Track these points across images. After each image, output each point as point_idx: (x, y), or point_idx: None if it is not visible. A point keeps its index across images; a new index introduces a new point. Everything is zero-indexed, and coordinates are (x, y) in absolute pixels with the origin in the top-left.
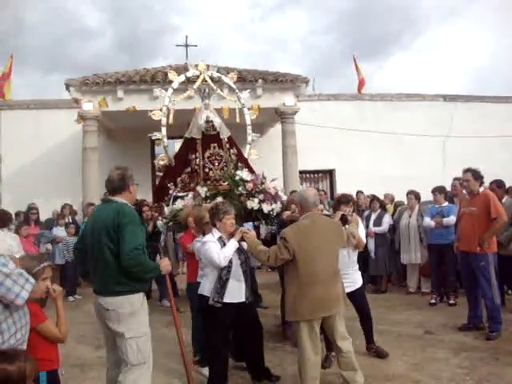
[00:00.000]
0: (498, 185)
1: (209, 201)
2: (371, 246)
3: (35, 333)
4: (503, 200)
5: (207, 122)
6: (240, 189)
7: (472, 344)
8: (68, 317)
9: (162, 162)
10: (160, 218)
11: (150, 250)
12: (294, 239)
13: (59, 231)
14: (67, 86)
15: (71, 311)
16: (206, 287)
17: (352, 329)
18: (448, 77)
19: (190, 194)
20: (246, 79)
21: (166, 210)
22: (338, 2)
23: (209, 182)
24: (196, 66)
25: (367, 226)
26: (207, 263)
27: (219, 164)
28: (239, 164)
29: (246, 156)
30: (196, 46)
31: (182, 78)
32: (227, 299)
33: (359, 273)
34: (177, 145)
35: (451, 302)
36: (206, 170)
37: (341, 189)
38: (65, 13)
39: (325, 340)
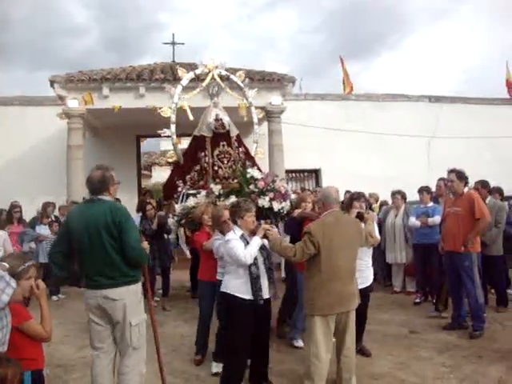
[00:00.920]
0: (482, 185)
1: (222, 199)
2: None
3: (19, 333)
4: (487, 200)
5: (217, 119)
6: (251, 187)
7: (456, 343)
8: (52, 316)
9: (170, 160)
10: (170, 215)
11: (155, 248)
12: (320, 234)
13: (43, 230)
14: (52, 83)
15: (55, 311)
16: (229, 285)
17: None
18: (435, 78)
19: (203, 192)
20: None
21: (178, 207)
22: (328, 1)
23: (218, 180)
24: (205, 64)
25: None
26: (231, 261)
27: (228, 162)
28: (247, 162)
29: (252, 155)
30: (183, 44)
31: (191, 75)
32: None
33: (372, 270)
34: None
35: (435, 301)
36: (215, 167)
37: None
38: (52, 9)
39: None
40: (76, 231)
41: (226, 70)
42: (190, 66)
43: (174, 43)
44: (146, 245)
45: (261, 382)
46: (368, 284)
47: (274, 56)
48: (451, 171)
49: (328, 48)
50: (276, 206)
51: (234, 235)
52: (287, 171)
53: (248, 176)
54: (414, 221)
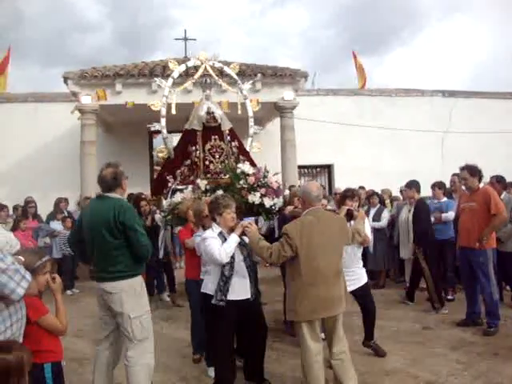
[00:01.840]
0: (497, 180)
1: (209, 194)
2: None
3: (37, 326)
4: (502, 196)
5: (208, 113)
6: (241, 182)
7: (470, 339)
8: (66, 311)
9: (160, 154)
10: (158, 211)
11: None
12: (297, 235)
13: (57, 225)
14: (65, 79)
15: (69, 305)
16: (209, 286)
17: (351, 324)
18: (448, 72)
19: (190, 187)
20: (245, 73)
21: (165, 203)
22: None
23: (209, 175)
24: (197, 57)
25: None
26: (208, 260)
27: (220, 157)
28: (240, 157)
29: (247, 149)
30: (195, 39)
31: (183, 67)
32: (231, 297)
33: (363, 269)
34: (175, 139)
35: (449, 297)
36: (207, 162)
37: (339, 184)
38: (64, 6)
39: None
40: (85, 226)
41: (220, 62)
42: (202, 62)
43: (186, 39)
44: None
45: (257, 380)
46: (362, 284)
47: (286, 51)
48: (463, 168)
49: (340, 43)
50: (267, 202)
51: (212, 233)
52: (299, 167)
53: (238, 171)
54: None
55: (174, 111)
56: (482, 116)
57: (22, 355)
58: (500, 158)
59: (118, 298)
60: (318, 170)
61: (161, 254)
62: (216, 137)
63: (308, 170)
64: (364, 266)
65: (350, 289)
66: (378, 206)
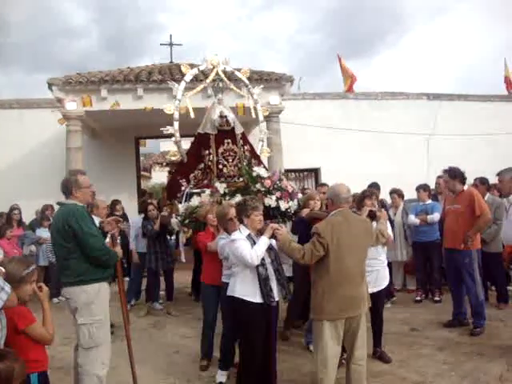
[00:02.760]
0: (481, 181)
1: (228, 197)
2: None
3: (25, 335)
4: (485, 197)
5: (221, 116)
6: (257, 186)
7: (457, 340)
8: (53, 319)
9: (173, 158)
10: (174, 215)
11: (157, 250)
12: (328, 235)
13: (43, 232)
14: (50, 85)
15: (56, 313)
16: (237, 289)
17: None
18: (433, 75)
19: (208, 191)
20: (231, 78)
21: (181, 207)
22: (325, 0)
23: (222, 179)
24: (209, 60)
25: None
26: (237, 262)
27: (233, 160)
28: (253, 161)
29: (258, 153)
30: (181, 45)
31: (195, 71)
32: (258, 299)
33: (387, 270)
34: (184, 144)
35: (436, 298)
36: (220, 166)
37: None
38: (50, 11)
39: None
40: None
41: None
42: (191, 67)
43: (171, 44)
44: (118, 249)
45: None
46: (385, 285)
47: (273, 56)
48: (444, 172)
49: (326, 47)
50: (283, 205)
51: (240, 235)
52: (286, 171)
53: (254, 174)
54: (413, 219)
55: (192, 115)
56: (466, 118)
57: (12, 366)
58: (484, 160)
59: (72, 303)
60: (306, 173)
61: (182, 257)
62: (229, 140)
63: (295, 174)
64: None
65: (375, 289)
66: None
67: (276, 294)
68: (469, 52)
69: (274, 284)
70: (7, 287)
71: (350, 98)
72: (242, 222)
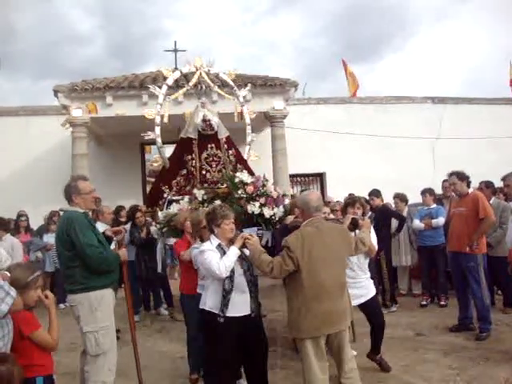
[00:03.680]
0: (486, 185)
1: (206, 205)
2: None
3: (28, 340)
4: (491, 201)
5: (204, 120)
6: (240, 192)
7: (462, 344)
8: (59, 324)
9: (155, 164)
10: (154, 223)
11: (145, 258)
12: (299, 248)
13: (50, 238)
14: (55, 93)
15: (62, 318)
16: (207, 301)
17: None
18: (438, 79)
19: (186, 198)
20: (235, 84)
21: (160, 214)
22: (330, 5)
23: (206, 185)
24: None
25: None
26: (206, 274)
27: (217, 166)
28: (238, 166)
29: (245, 157)
30: (185, 50)
31: (178, 74)
32: (231, 313)
33: (371, 281)
34: (168, 150)
35: (442, 303)
36: (203, 172)
37: (331, 192)
38: (56, 18)
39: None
40: None
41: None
42: (197, 68)
43: (176, 50)
44: (122, 252)
45: None
46: (371, 296)
47: (278, 61)
48: (451, 174)
49: (331, 51)
50: (267, 212)
51: (210, 245)
52: (291, 175)
53: (236, 180)
54: (417, 223)
55: (166, 120)
56: (471, 122)
57: (13, 369)
58: (489, 164)
59: (76, 311)
60: (310, 178)
61: (159, 267)
62: (212, 145)
63: (300, 179)
64: None
65: (358, 302)
66: (370, 213)
67: (245, 308)
68: (474, 55)
69: (244, 297)
70: (13, 292)
71: (355, 103)
72: (212, 231)
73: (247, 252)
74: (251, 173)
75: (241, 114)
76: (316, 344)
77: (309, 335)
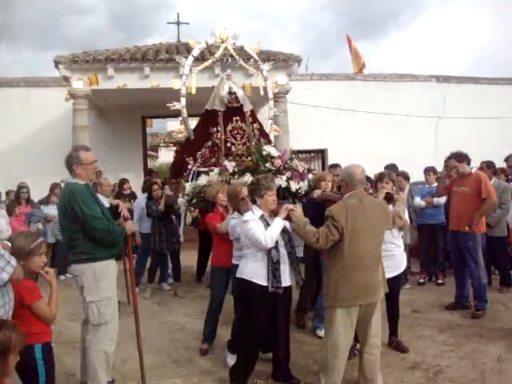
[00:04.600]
0: (487, 165)
1: (237, 176)
2: None
3: (29, 309)
4: (491, 181)
5: (230, 93)
6: (267, 165)
7: (458, 322)
8: (59, 295)
9: (180, 135)
10: (180, 195)
11: (163, 231)
12: (343, 218)
13: (50, 210)
14: (56, 64)
15: (62, 290)
16: (248, 269)
17: None
18: (444, 58)
19: (216, 169)
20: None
21: (188, 186)
22: None
23: (231, 158)
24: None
25: None
26: (249, 244)
27: (242, 139)
28: (262, 139)
29: (267, 131)
30: (187, 23)
31: (203, 45)
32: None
33: (405, 255)
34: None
35: (439, 281)
36: (228, 144)
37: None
38: None
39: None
40: None
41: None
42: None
43: (178, 23)
44: (128, 225)
45: (285, 378)
46: (402, 270)
47: (283, 36)
48: (449, 158)
49: (337, 27)
50: (294, 185)
51: (253, 216)
52: (293, 152)
53: (264, 153)
54: (418, 201)
55: (194, 91)
56: (476, 102)
57: (9, 335)
58: (493, 144)
59: (79, 281)
60: (312, 155)
61: (182, 238)
62: (237, 118)
63: (302, 155)
64: None
65: (391, 275)
66: (371, 191)
67: (287, 279)
68: (480, 35)
69: (286, 268)
70: (13, 261)
71: (358, 80)
72: (254, 202)
73: (287, 224)
74: (274, 147)
75: (264, 88)
76: (347, 314)
77: (345, 304)
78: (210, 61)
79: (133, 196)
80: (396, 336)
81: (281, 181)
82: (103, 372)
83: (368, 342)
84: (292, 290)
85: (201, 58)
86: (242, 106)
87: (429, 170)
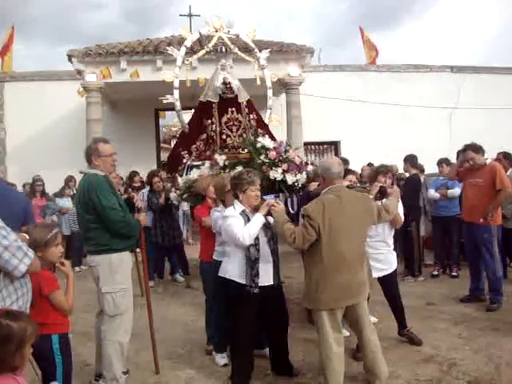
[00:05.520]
0: (504, 156)
1: (228, 170)
2: None
3: (47, 299)
4: (508, 172)
5: (224, 83)
6: (262, 157)
7: (472, 315)
8: (75, 291)
9: (174, 129)
10: (173, 189)
11: (162, 224)
12: (319, 216)
13: (66, 202)
14: (69, 57)
15: (77, 281)
16: (229, 269)
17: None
18: (461, 47)
19: (207, 163)
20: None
21: (180, 180)
22: None
23: (226, 150)
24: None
25: None
26: (229, 241)
27: (237, 130)
28: (259, 130)
29: (266, 122)
30: (199, 15)
31: (196, 35)
32: (260, 282)
33: (395, 254)
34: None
35: (454, 273)
36: (223, 136)
37: None
38: None
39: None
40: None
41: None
42: (208, 39)
43: (190, 15)
44: (142, 217)
45: (284, 371)
46: (392, 270)
47: (297, 28)
48: (464, 149)
49: (351, 18)
50: (290, 178)
51: (233, 211)
52: (306, 143)
53: (258, 145)
54: (433, 193)
55: (188, 84)
56: (490, 92)
57: (25, 327)
58: (508, 134)
59: (95, 271)
60: (325, 146)
61: (184, 234)
62: (233, 109)
63: (315, 147)
64: None
65: (379, 274)
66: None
67: (269, 278)
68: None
69: (268, 266)
70: (30, 253)
71: (371, 71)
72: (236, 197)
73: (271, 220)
74: (273, 138)
75: (261, 78)
76: (333, 316)
77: (327, 307)
78: (203, 51)
79: (143, 189)
80: (405, 329)
81: (276, 173)
82: (118, 362)
83: (366, 341)
84: (281, 287)
85: (190, 51)
86: (236, 96)
87: (442, 162)
